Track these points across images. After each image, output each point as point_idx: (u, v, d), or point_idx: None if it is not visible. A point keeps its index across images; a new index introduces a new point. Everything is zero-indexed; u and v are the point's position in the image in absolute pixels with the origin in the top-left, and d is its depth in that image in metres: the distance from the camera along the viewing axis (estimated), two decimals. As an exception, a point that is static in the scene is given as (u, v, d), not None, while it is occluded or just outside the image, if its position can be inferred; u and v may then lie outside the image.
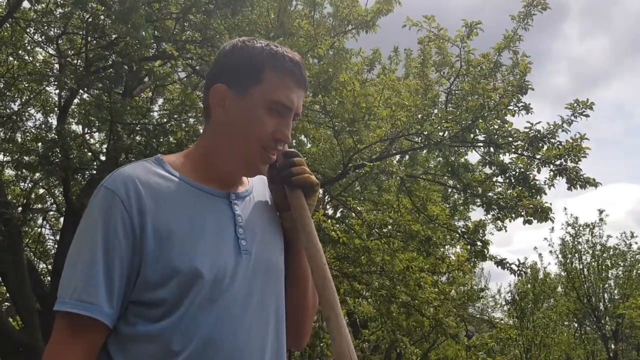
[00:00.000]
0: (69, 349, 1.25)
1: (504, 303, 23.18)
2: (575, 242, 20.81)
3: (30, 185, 9.20)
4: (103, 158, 7.70)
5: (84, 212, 1.35)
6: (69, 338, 1.26)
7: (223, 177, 1.46)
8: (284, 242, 1.53)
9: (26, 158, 7.38)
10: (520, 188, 6.19)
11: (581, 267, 20.83)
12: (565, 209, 28.75)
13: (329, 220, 7.50)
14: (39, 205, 9.82)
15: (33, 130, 8.07)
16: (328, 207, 9.00)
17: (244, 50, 1.45)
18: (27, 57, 7.52)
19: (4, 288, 8.96)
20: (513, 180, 6.22)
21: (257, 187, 1.56)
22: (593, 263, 20.82)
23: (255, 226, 1.45)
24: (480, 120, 5.95)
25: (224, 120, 1.43)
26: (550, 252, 22.02)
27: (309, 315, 1.59)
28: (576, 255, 20.68)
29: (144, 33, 4.63)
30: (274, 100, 1.40)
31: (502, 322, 20.25)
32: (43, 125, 8.23)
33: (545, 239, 34.06)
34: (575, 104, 5.99)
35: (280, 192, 1.51)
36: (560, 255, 21.17)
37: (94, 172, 7.49)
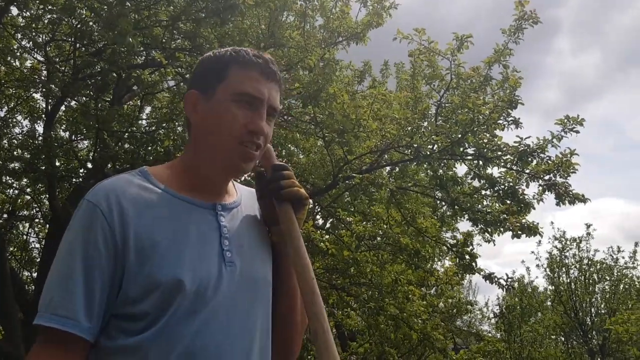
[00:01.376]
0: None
1: (491, 316, 23.19)
2: (562, 256, 20.87)
3: (16, 192, 9.10)
4: (90, 166, 7.64)
5: (68, 225, 1.34)
6: (46, 352, 1.24)
7: (207, 185, 1.44)
8: (272, 256, 1.50)
9: (11, 165, 7.30)
10: (509, 202, 6.20)
11: (568, 281, 20.89)
12: (552, 223, 28.86)
13: (318, 231, 7.48)
14: (25, 212, 9.71)
15: (19, 137, 7.99)
16: (318, 217, 8.97)
17: (211, 56, 1.48)
18: (15, 63, 7.46)
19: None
20: (502, 194, 6.22)
21: (246, 200, 1.54)
22: (580, 277, 20.89)
23: (242, 238, 1.43)
24: (469, 135, 5.95)
25: (198, 124, 1.44)
26: (537, 265, 22.07)
27: (298, 332, 1.55)
28: (563, 269, 20.74)
29: (130, 39, 4.59)
30: (239, 92, 1.39)
31: (490, 334, 20.26)
32: (29, 132, 8.15)
33: (533, 252, 34.22)
34: (566, 120, 6.01)
35: (269, 205, 1.49)
36: (547, 269, 21.23)
37: (80, 179, 7.42)
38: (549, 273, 21.23)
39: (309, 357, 7.68)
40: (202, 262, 1.31)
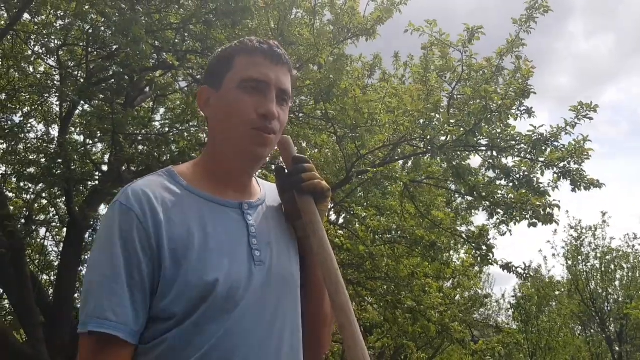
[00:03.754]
0: None
1: (508, 307, 23.10)
2: (579, 245, 20.75)
3: (32, 197, 9.18)
4: (105, 169, 7.69)
5: (99, 229, 1.33)
6: (97, 358, 1.24)
7: (231, 180, 1.44)
8: (298, 252, 1.50)
9: (28, 170, 7.37)
10: (524, 191, 6.18)
11: (585, 269, 20.76)
12: (567, 212, 28.70)
13: (333, 227, 7.49)
14: (42, 217, 9.80)
15: (35, 142, 8.07)
16: (332, 212, 8.99)
17: (219, 51, 1.50)
18: (28, 69, 7.53)
19: (7, 301, 8.93)
20: (517, 183, 6.21)
21: (269, 196, 1.53)
22: (596, 265, 20.75)
23: (270, 236, 1.43)
24: (483, 124, 5.94)
25: (212, 117, 1.45)
26: (554, 255, 21.97)
27: (327, 326, 1.55)
28: (579, 258, 20.61)
29: (143, 46, 4.63)
30: (245, 78, 1.40)
31: (507, 326, 20.19)
32: (45, 137, 8.22)
33: (549, 241, 34.07)
34: (579, 107, 5.98)
35: (291, 201, 1.48)
36: (564, 258, 21.11)
37: (97, 182, 7.47)
38: (567, 262, 21.09)
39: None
40: (233, 263, 1.31)
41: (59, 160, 6.46)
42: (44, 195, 9.21)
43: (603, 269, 20.63)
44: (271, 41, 1.46)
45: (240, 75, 1.40)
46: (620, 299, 20.80)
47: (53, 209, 9.65)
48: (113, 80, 6.41)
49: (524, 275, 6.78)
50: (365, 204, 8.49)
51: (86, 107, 7.57)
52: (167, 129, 6.81)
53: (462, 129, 6.11)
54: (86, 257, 8.09)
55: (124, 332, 1.23)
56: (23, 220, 8.77)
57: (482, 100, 5.89)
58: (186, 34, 6.18)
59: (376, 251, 7.45)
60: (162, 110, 8.74)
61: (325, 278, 1.37)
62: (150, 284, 1.27)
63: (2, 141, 7.90)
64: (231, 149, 1.42)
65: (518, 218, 6.35)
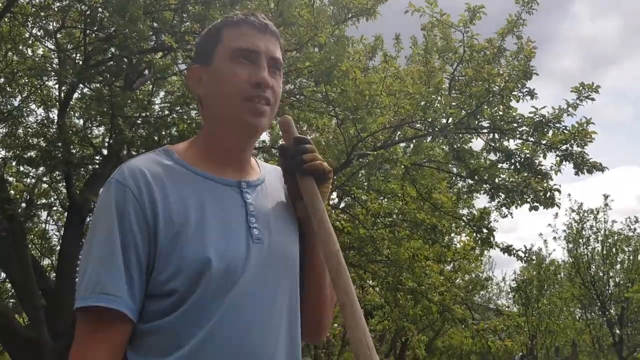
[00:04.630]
0: (96, 346, 1.22)
1: (509, 290, 23.22)
2: (580, 228, 20.78)
3: (33, 181, 9.18)
4: (105, 152, 7.67)
5: (96, 207, 1.33)
6: (95, 334, 1.23)
7: (229, 157, 1.43)
8: (299, 232, 1.49)
9: (28, 153, 7.34)
10: (526, 174, 6.16)
11: (586, 252, 20.81)
12: (569, 195, 28.69)
13: (334, 211, 7.48)
14: (44, 201, 9.80)
15: (34, 126, 8.04)
16: (333, 196, 8.98)
17: (206, 30, 1.49)
18: (26, 52, 7.48)
19: (9, 285, 8.97)
20: (519, 166, 6.18)
21: (270, 176, 1.52)
22: (598, 248, 20.81)
23: (268, 215, 1.41)
24: (485, 106, 5.89)
25: (206, 94, 1.42)
26: (555, 238, 22.05)
27: (328, 308, 1.54)
28: (580, 241, 20.65)
29: (141, 26, 4.57)
30: (234, 48, 1.38)
31: (507, 309, 20.30)
32: (44, 121, 8.19)
33: (550, 225, 34.17)
34: (581, 88, 5.94)
35: (293, 180, 1.46)
36: (565, 242, 21.17)
37: (97, 166, 7.46)
38: (569, 245, 21.15)
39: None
40: (230, 240, 1.30)
41: (59, 144, 6.44)
42: (44, 179, 9.21)
43: (604, 252, 20.69)
44: (257, 12, 1.44)
45: (229, 47, 1.38)
46: (621, 282, 20.89)
47: (54, 193, 9.66)
48: (112, 62, 6.36)
49: (525, 258, 6.78)
50: (366, 187, 8.47)
51: (85, 90, 7.54)
52: (166, 112, 6.77)
53: (463, 112, 6.07)
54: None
55: (125, 306, 1.23)
56: (24, 205, 8.77)
57: (485, 82, 5.84)
58: (184, 15, 6.11)
59: (377, 234, 7.45)
60: (162, 94, 8.70)
61: (326, 258, 1.36)
62: (147, 260, 1.27)
63: (2, 125, 7.88)
64: (226, 123, 1.39)
65: (519, 202, 6.33)
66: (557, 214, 20.86)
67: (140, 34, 4.79)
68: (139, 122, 6.54)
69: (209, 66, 1.41)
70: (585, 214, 20.81)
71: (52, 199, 9.85)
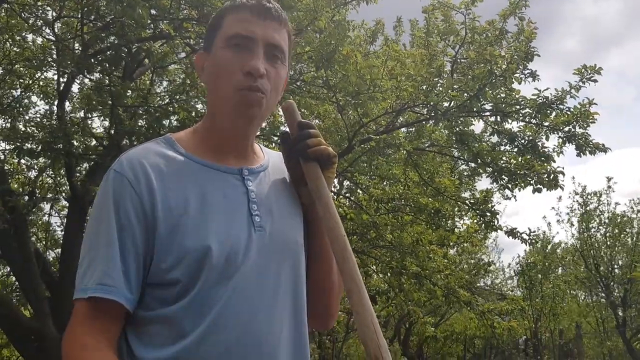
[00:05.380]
0: (89, 335, 1.22)
1: (512, 274, 23.26)
2: (583, 211, 20.75)
3: (36, 172, 9.17)
4: (106, 143, 7.64)
5: (95, 198, 1.33)
6: (90, 324, 1.23)
7: (230, 144, 1.41)
8: (303, 219, 1.47)
9: (28, 145, 7.32)
10: (529, 156, 6.14)
11: (588, 235, 20.79)
12: (573, 177, 28.69)
13: (336, 197, 7.46)
14: (49, 195, 9.78)
15: (34, 117, 8.01)
16: (335, 182, 8.95)
17: (213, 15, 1.46)
18: (25, 42, 7.43)
19: (13, 278, 9.00)
20: (522, 148, 6.15)
21: (273, 163, 1.50)
22: (601, 230, 20.79)
23: (271, 202, 1.40)
24: (487, 88, 5.85)
25: (207, 82, 1.42)
26: (558, 221, 22.05)
27: (336, 295, 1.53)
28: (584, 223, 20.63)
29: (140, 11, 4.52)
30: (229, 35, 1.35)
31: (512, 293, 20.34)
32: (44, 112, 8.17)
33: (553, 208, 34.30)
34: (583, 70, 5.91)
35: (297, 167, 1.44)
36: (569, 224, 21.15)
37: (98, 157, 7.43)
38: (571, 227, 21.13)
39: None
40: (231, 228, 1.29)
41: (59, 135, 6.42)
42: (47, 171, 9.20)
43: (608, 234, 20.67)
44: None
45: (226, 34, 1.36)
46: (623, 265, 20.89)
47: (56, 185, 9.64)
48: (110, 51, 6.31)
49: (529, 240, 6.78)
50: (369, 173, 8.43)
51: (85, 80, 7.50)
52: (167, 101, 6.74)
53: (465, 95, 6.03)
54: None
55: (122, 296, 1.23)
56: (27, 197, 8.76)
57: (487, 64, 5.80)
58: (182, 1, 6.05)
59: (380, 220, 7.43)
60: (164, 84, 8.65)
61: (332, 244, 1.35)
62: (145, 249, 1.26)
63: (2, 116, 7.86)
64: (224, 112, 1.38)
65: (523, 184, 6.31)
66: (560, 197, 20.86)
67: (138, 20, 4.74)
68: (139, 111, 6.51)
69: (209, 54, 1.40)
70: (589, 197, 20.77)
71: (55, 191, 9.84)
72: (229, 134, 1.40)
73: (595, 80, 5.95)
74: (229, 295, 1.25)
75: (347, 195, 8.98)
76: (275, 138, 6.91)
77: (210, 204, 1.30)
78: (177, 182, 1.30)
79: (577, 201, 20.85)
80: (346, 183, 9.39)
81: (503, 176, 6.38)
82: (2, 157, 7.87)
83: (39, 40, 7.71)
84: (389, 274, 7.94)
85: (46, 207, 10.30)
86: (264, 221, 1.35)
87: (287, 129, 1.49)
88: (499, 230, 7.02)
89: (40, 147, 6.79)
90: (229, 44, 1.35)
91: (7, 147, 7.95)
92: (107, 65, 6.01)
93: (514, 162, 6.35)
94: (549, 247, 22.07)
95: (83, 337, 1.22)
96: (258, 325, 1.27)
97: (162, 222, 1.25)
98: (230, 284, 1.25)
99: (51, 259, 10.07)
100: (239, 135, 1.41)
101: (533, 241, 6.90)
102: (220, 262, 1.25)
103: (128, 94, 6.19)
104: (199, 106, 6.15)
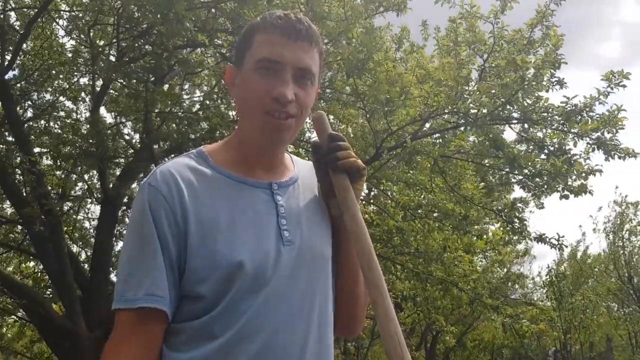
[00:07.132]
0: (134, 343, 1.25)
1: (542, 285, 22.85)
2: (619, 222, 20.31)
3: (68, 175, 9.34)
4: (138, 147, 7.77)
5: (131, 210, 1.37)
6: (134, 332, 1.26)
7: (260, 159, 1.44)
8: (331, 231, 1.49)
9: (64, 150, 7.48)
10: (561, 162, 6.09)
11: (622, 245, 20.34)
12: (617, 187, 28.13)
13: (362, 204, 7.46)
14: (79, 194, 9.95)
15: (67, 121, 8.18)
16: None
17: (244, 28, 1.45)
18: (60, 49, 7.61)
19: (47, 277, 9.17)
20: (551, 154, 6.12)
21: (304, 174, 1.52)
22: (636, 242, 20.32)
23: (300, 215, 1.42)
24: (520, 93, 5.82)
25: (237, 97, 1.43)
26: (594, 230, 21.63)
27: (362, 304, 1.54)
28: (619, 233, 20.17)
29: (187, 24, 4.61)
30: (258, 59, 1.35)
31: (541, 302, 20.00)
32: (79, 116, 8.35)
33: (591, 216, 33.86)
34: (611, 75, 5.84)
35: (326, 177, 1.46)
36: (604, 234, 20.74)
37: (130, 161, 7.57)
38: (609, 239, 20.67)
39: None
40: (260, 243, 1.32)
41: (93, 140, 6.56)
42: (78, 174, 9.37)
43: (640, 244, 20.21)
44: (294, 15, 1.39)
45: (256, 56, 1.36)
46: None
47: (88, 187, 9.81)
48: (146, 58, 6.42)
49: (558, 245, 6.69)
50: (395, 179, 8.41)
51: (118, 86, 7.65)
52: (197, 106, 6.84)
53: (498, 101, 6.00)
54: (121, 231, 8.28)
55: (168, 306, 1.27)
56: (59, 199, 8.94)
57: (519, 70, 5.76)
58: (218, 12, 6.13)
59: (406, 227, 7.40)
60: (198, 93, 8.74)
61: (358, 255, 1.36)
62: (178, 263, 1.29)
63: (38, 120, 8.05)
64: (251, 133, 1.41)
65: (550, 191, 6.26)
66: (600, 207, 20.46)
67: (184, 32, 4.83)
68: (171, 117, 6.61)
69: (240, 69, 1.41)
70: (628, 207, 20.33)
71: (86, 193, 10.01)
72: (258, 151, 1.43)
73: (624, 86, 5.88)
74: (257, 309, 1.27)
75: (373, 202, 8.96)
76: (301, 143, 6.96)
77: (240, 219, 1.32)
78: (208, 197, 1.33)
79: (616, 211, 20.43)
80: (373, 191, 9.37)
81: (543, 177, 6.29)
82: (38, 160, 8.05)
83: (71, 44, 7.87)
84: (412, 281, 7.89)
85: (77, 207, 10.46)
86: (293, 235, 1.37)
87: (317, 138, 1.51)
88: (526, 239, 6.96)
89: (75, 152, 6.96)
90: (258, 67, 1.35)
91: (43, 150, 8.15)
92: (144, 72, 6.12)
93: (546, 166, 6.28)
94: (579, 255, 21.66)
95: (129, 347, 1.25)
96: (284, 337, 1.29)
97: (194, 236, 1.28)
98: (258, 298, 1.28)
99: (81, 257, 10.24)
100: (267, 154, 1.44)
101: (563, 246, 6.78)
102: (249, 276, 1.28)
103: (161, 98, 6.30)
104: (232, 113, 6.22)
